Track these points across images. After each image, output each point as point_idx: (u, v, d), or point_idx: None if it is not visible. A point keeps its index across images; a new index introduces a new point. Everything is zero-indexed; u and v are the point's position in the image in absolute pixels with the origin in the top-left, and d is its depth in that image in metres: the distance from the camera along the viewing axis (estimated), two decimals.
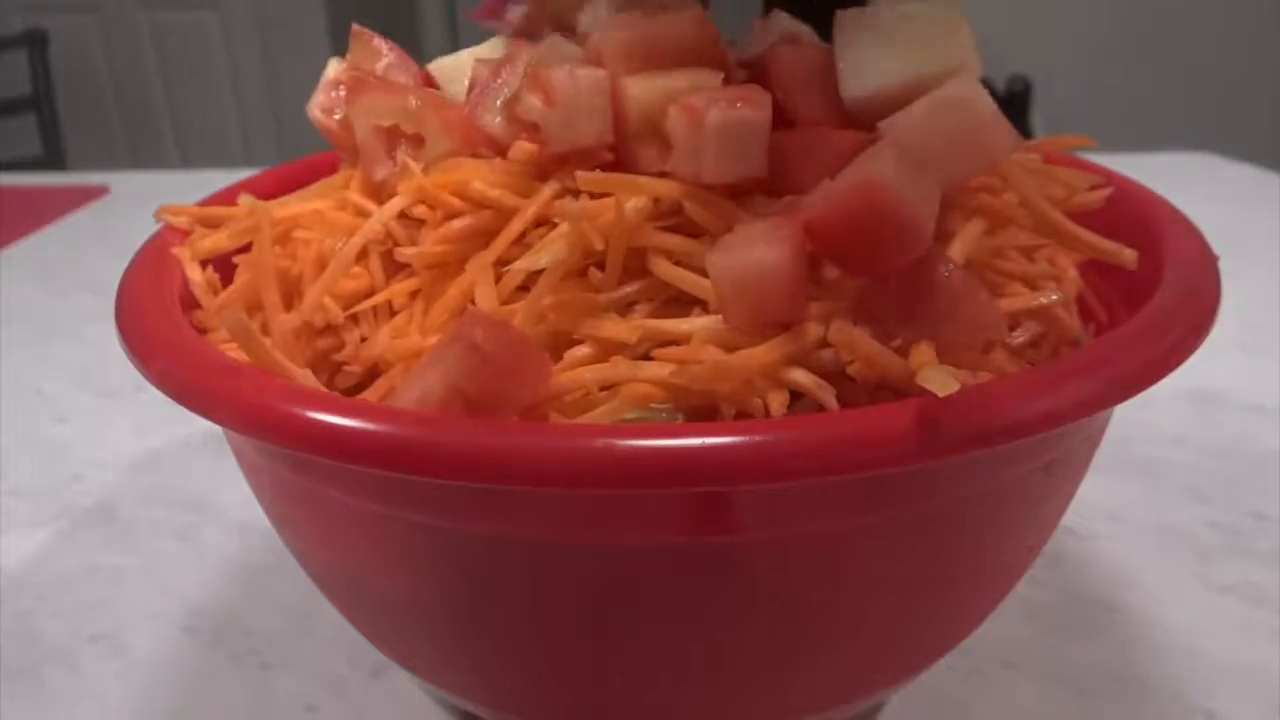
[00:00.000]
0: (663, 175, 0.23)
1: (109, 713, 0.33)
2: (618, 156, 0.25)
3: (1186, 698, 0.32)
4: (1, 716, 0.33)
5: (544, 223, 0.24)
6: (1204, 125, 2.28)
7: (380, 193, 0.27)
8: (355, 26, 0.31)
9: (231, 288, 0.28)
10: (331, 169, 0.31)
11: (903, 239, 0.19)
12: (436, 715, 0.32)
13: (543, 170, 0.25)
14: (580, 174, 0.23)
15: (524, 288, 0.24)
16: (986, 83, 0.22)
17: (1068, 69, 2.28)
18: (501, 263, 0.24)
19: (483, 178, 0.24)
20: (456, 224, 0.24)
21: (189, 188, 0.57)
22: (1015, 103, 2.15)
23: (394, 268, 0.26)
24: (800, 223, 0.20)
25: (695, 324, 0.22)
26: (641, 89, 0.23)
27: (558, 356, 0.23)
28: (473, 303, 0.24)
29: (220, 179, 0.37)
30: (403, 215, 0.26)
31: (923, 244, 0.20)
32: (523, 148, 0.25)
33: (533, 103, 0.24)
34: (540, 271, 0.23)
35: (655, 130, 0.23)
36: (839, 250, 0.20)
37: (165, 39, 2.39)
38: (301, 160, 0.36)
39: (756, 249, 0.20)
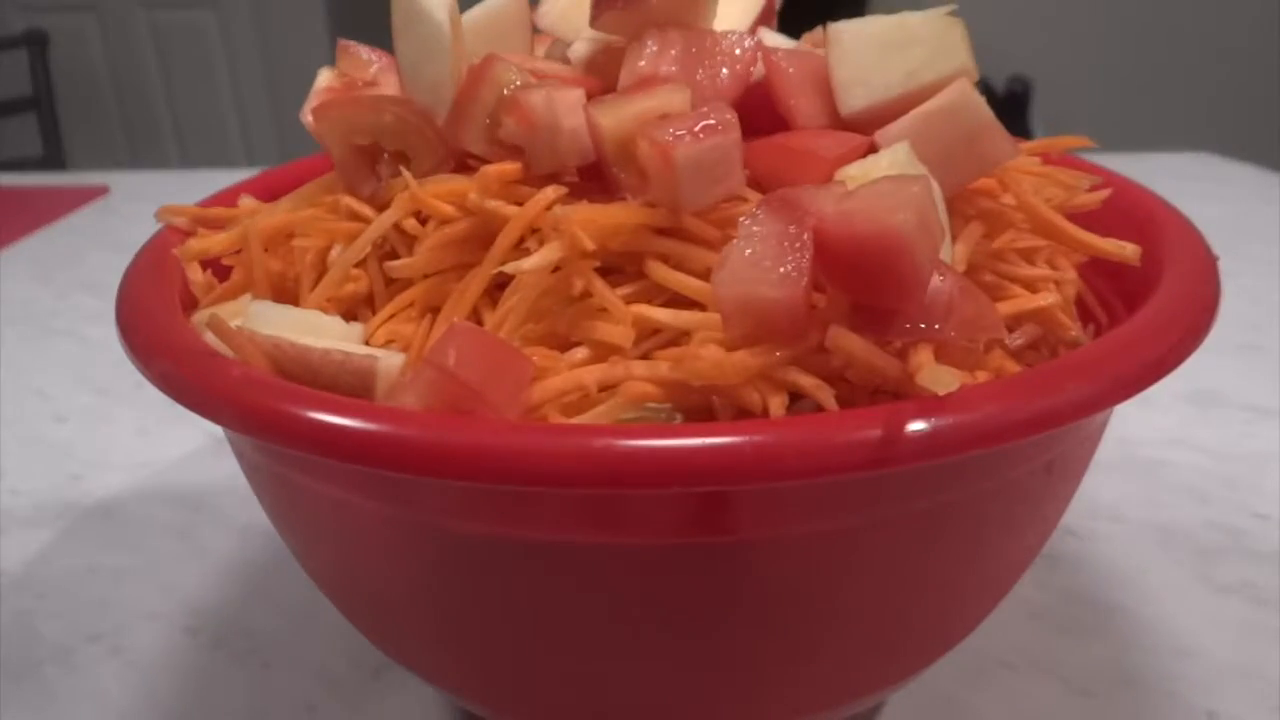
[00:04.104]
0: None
1: (109, 713, 0.33)
2: (602, 175, 0.25)
3: (1186, 698, 0.32)
4: (1, 716, 0.33)
5: (539, 230, 0.24)
6: (1204, 125, 2.28)
7: (370, 203, 0.27)
8: (340, 41, 0.31)
9: (219, 289, 0.28)
10: (331, 169, 0.31)
11: (903, 288, 0.19)
12: (436, 715, 0.32)
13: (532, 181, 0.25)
14: (569, 207, 0.23)
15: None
16: (986, 84, 0.23)
17: (1068, 69, 2.28)
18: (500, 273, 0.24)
19: (476, 188, 0.24)
20: (449, 229, 0.24)
21: (189, 188, 0.57)
22: (1015, 103, 2.15)
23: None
24: (811, 261, 0.20)
25: (695, 318, 0.22)
26: (611, 119, 0.23)
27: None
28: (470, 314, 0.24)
29: (220, 179, 0.37)
30: (394, 228, 0.26)
31: (921, 292, 0.20)
32: (507, 168, 0.25)
33: (513, 126, 0.24)
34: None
35: (631, 157, 0.23)
36: (837, 276, 0.20)
37: (165, 39, 2.39)
38: (302, 160, 0.36)
39: (765, 289, 0.20)
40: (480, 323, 0.24)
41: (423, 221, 0.26)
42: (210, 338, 0.23)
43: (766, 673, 0.23)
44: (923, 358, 0.19)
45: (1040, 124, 2.19)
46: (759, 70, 0.26)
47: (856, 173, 0.23)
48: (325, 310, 0.25)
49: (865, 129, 0.25)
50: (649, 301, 0.23)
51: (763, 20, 0.30)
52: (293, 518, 0.25)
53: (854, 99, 0.25)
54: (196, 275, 0.28)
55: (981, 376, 0.22)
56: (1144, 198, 0.29)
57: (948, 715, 0.32)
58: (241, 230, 0.28)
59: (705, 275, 0.22)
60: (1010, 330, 0.25)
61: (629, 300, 0.23)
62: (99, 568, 0.40)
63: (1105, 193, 0.28)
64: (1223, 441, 0.46)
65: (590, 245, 0.22)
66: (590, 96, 0.25)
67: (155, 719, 0.33)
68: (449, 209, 0.24)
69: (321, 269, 0.27)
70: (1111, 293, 0.29)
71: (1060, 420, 0.19)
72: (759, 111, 0.25)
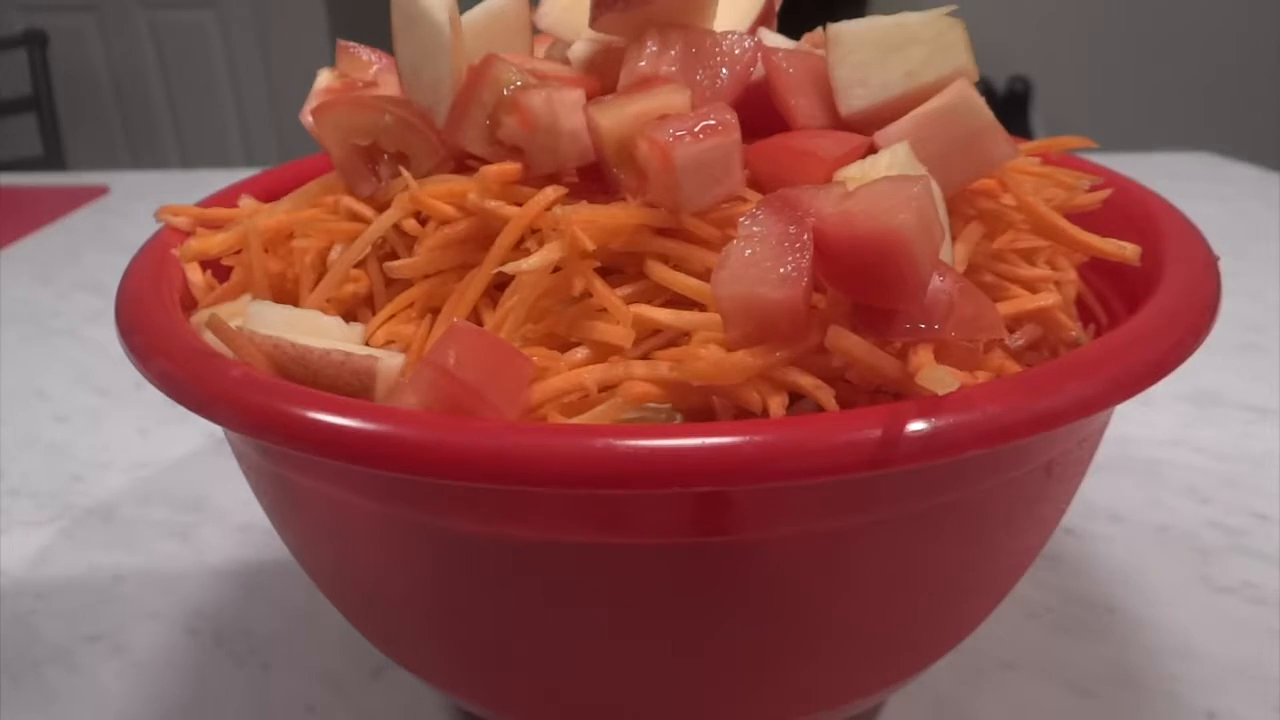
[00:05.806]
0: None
1: (109, 713, 0.33)
2: (602, 175, 0.25)
3: (1186, 698, 0.32)
4: (1, 716, 0.33)
5: (539, 230, 0.24)
6: (1204, 125, 2.28)
7: (370, 204, 0.27)
8: (340, 41, 0.31)
9: (220, 289, 0.28)
10: (331, 169, 0.31)
11: (903, 289, 0.19)
12: (436, 715, 0.32)
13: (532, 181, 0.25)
14: (569, 208, 0.23)
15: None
16: (987, 83, 0.23)
17: (1068, 69, 2.28)
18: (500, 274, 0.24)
19: (476, 189, 0.24)
20: (449, 230, 0.24)
21: (189, 188, 0.57)
22: (1015, 103, 2.15)
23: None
24: (811, 261, 0.20)
25: (695, 318, 0.22)
26: (610, 119, 0.23)
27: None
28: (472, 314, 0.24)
29: (220, 179, 0.37)
30: (394, 228, 0.26)
31: (921, 293, 0.20)
32: (507, 169, 0.25)
33: (513, 127, 0.24)
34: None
35: (631, 157, 0.23)
36: (837, 276, 0.20)
37: (165, 39, 2.39)
38: (302, 160, 0.36)
39: (765, 289, 0.20)
40: (480, 323, 0.24)
41: (423, 222, 0.26)
42: (210, 338, 0.23)
43: (766, 672, 0.23)
44: (923, 358, 0.19)
45: (1040, 124, 2.19)
46: (759, 70, 0.26)
47: (856, 173, 0.23)
48: (325, 311, 0.25)
49: (865, 129, 0.25)
50: (649, 301, 0.23)
51: (763, 20, 0.30)
52: (293, 518, 0.25)
53: (854, 99, 0.25)
54: (196, 275, 0.28)
55: (981, 376, 0.22)
56: (1144, 198, 0.29)
57: (948, 715, 0.32)
58: (241, 230, 0.28)
59: (705, 275, 0.22)
60: (1010, 330, 0.25)
61: (629, 300, 0.23)
62: (99, 568, 0.40)
63: (1105, 193, 0.28)
64: (1223, 441, 0.46)
65: (590, 245, 0.22)
66: (590, 97, 0.25)
67: (155, 719, 0.33)
68: (449, 209, 0.24)
69: (321, 269, 0.27)
70: (1111, 293, 0.29)
71: (1060, 420, 0.19)
72: (759, 111, 0.25)
